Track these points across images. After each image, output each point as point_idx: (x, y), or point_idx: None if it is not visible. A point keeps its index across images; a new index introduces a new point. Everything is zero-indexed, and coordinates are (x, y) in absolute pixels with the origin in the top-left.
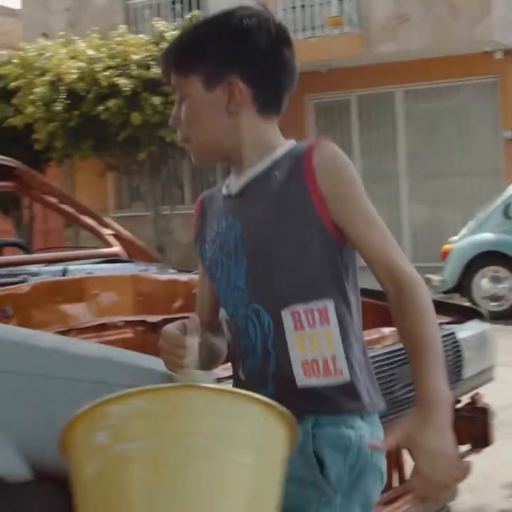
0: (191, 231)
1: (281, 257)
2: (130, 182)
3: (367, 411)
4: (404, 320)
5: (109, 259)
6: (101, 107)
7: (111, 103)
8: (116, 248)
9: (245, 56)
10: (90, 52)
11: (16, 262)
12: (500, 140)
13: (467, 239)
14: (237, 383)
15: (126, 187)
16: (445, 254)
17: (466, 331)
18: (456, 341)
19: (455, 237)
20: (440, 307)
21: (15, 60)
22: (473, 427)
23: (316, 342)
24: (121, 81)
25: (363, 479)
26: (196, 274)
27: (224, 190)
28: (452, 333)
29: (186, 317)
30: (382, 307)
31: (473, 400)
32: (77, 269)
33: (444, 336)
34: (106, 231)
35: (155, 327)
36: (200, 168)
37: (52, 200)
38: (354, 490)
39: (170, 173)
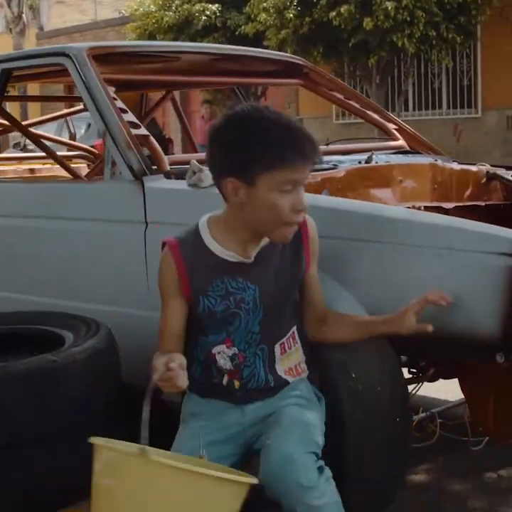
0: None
1: (287, 308)
2: (355, 89)
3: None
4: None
5: (397, 151)
6: (333, 13)
7: (343, 9)
8: (401, 141)
9: None
10: None
11: None
12: None
13: None
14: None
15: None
16: None
17: None
18: None
19: None
20: None
21: None
22: None
23: (291, 357)
24: None
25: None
26: (473, 164)
27: (226, 256)
28: None
29: (475, 206)
30: None
31: None
32: (378, 159)
33: None
34: (391, 125)
35: (448, 213)
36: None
37: (338, 96)
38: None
39: (394, 80)
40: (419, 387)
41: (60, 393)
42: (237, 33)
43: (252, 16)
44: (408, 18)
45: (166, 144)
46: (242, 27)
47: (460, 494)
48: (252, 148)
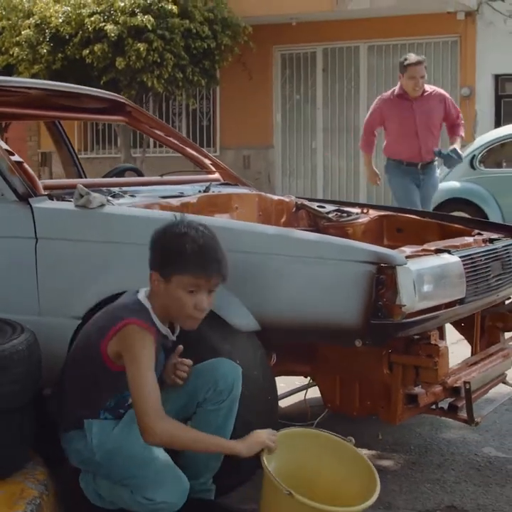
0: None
1: None
2: (104, 124)
3: None
4: None
5: (220, 182)
6: (86, 51)
7: (96, 48)
8: (217, 174)
9: None
10: None
11: (140, 183)
12: (457, 97)
13: None
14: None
15: (93, 129)
16: None
17: None
18: None
19: None
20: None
21: None
22: None
23: None
24: (108, 27)
25: None
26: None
27: (164, 332)
28: None
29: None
30: None
31: None
32: (214, 188)
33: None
34: (207, 161)
35: None
36: (167, 115)
37: (159, 133)
38: None
39: None
40: None
41: None
42: None
43: (3, 49)
44: (158, 60)
45: None
46: None
47: None
48: (172, 255)
